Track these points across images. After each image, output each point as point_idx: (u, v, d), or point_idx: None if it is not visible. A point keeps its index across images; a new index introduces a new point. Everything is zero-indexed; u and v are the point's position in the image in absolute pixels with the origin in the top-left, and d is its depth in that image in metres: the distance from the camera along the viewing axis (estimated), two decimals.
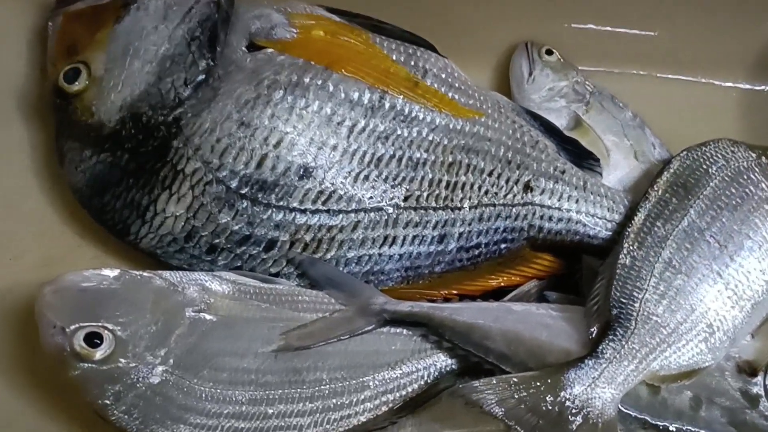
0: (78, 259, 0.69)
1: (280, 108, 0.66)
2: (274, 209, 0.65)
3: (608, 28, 0.85)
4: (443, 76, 0.72)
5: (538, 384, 0.59)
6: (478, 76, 0.81)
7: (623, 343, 0.62)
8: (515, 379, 0.59)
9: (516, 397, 0.58)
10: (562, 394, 0.59)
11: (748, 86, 0.87)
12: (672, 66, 0.86)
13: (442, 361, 0.64)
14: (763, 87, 0.87)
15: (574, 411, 0.59)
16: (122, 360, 0.57)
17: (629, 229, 0.68)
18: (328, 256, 0.67)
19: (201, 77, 0.66)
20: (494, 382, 0.58)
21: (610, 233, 0.71)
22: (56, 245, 0.70)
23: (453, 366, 0.64)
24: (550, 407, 0.58)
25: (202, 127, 0.65)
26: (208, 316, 0.61)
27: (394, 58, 0.71)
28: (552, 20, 0.84)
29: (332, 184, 0.66)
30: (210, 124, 0.65)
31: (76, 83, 0.66)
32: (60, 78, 0.67)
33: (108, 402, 0.57)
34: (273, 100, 0.66)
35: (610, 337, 0.62)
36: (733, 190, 0.68)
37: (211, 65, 0.66)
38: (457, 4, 0.82)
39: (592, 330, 0.64)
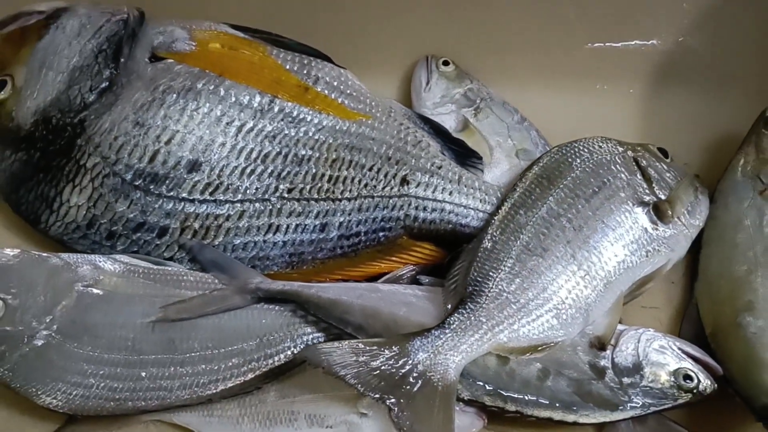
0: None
1: (172, 110, 0.71)
2: (165, 199, 0.70)
3: (508, 46, 0.89)
4: (335, 83, 0.77)
5: (384, 349, 0.61)
6: (385, 88, 0.86)
7: (470, 315, 0.64)
8: (361, 344, 0.62)
9: (360, 359, 0.61)
10: (405, 359, 0.61)
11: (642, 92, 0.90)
12: (569, 76, 0.89)
13: (308, 334, 0.67)
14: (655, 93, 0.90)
15: (416, 375, 0.61)
16: (9, 325, 0.63)
17: (495, 218, 0.71)
18: (216, 242, 0.71)
19: (105, 84, 0.72)
20: (340, 344, 0.61)
21: (482, 223, 0.74)
22: None
23: (319, 339, 0.67)
24: (394, 371, 0.61)
25: (103, 127, 0.71)
26: (95, 291, 0.66)
27: (287, 67, 0.76)
28: (456, 35, 0.89)
29: (219, 177, 0.71)
30: (109, 124, 0.71)
31: (2, 93, 0.73)
32: None
33: None
34: (166, 102, 0.71)
35: (459, 310, 0.65)
36: (592, 180, 0.71)
37: (114, 74, 0.72)
38: (365, 24, 0.87)
39: (447, 306, 0.67)
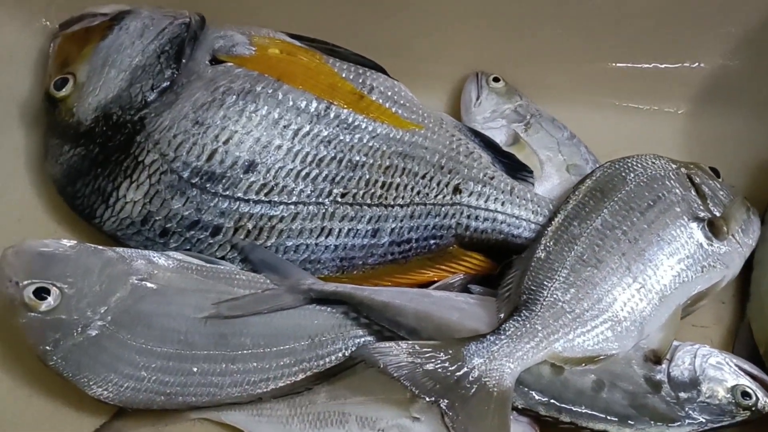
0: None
1: (231, 110, 0.70)
2: (220, 198, 0.69)
3: (556, 63, 0.88)
4: (389, 93, 0.76)
5: (440, 352, 0.60)
6: (432, 101, 0.85)
7: (525, 323, 0.63)
8: (417, 346, 0.60)
9: (416, 361, 0.59)
10: (461, 363, 0.60)
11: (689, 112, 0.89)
12: (618, 95, 0.89)
13: (360, 336, 0.65)
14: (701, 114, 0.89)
15: (471, 379, 0.59)
16: (65, 313, 0.61)
17: (548, 229, 0.70)
18: (269, 243, 0.70)
19: (166, 84, 0.72)
20: (396, 344, 0.60)
21: (534, 234, 0.72)
22: (35, 231, 0.74)
23: (371, 341, 0.65)
24: (449, 374, 0.59)
25: (162, 124, 0.70)
26: (149, 284, 0.65)
27: (343, 75, 0.76)
28: (506, 53, 0.88)
29: (274, 178, 0.70)
30: (169, 122, 0.70)
31: (63, 90, 0.72)
32: (51, 86, 0.73)
33: (48, 348, 0.61)
34: (226, 103, 0.71)
35: (515, 317, 0.63)
36: (647, 193, 0.70)
37: (175, 74, 0.72)
38: (416, 38, 0.87)
39: (500, 314, 0.65)
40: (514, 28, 0.87)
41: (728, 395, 0.64)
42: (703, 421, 0.63)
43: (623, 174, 0.72)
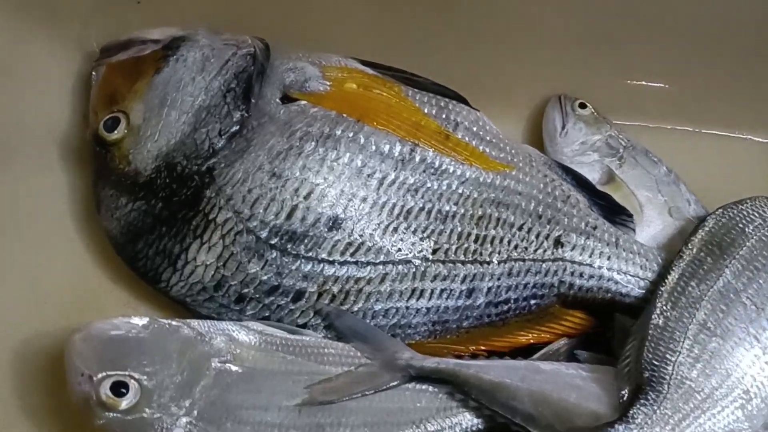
0: (109, 304, 0.66)
1: (311, 159, 0.63)
2: (302, 260, 0.62)
3: (642, 82, 0.81)
4: (474, 129, 0.69)
5: None
6: (510, 128, 0.78)
7: (655, 408, 0.57)
8: None
9: None
10: None
11: None
12: (707, 121, 0.82)
13: (467, 420, 0.59)
14: None
15: None
16: (147, 410, 0.54)
17: (662, 288, 0.63)
18: (356, 308, 0.63)
19: (235, 128, 0.64)
20: None
21: (643, 291, 0.66)
22: (89, 290, 0.67)
23: (479, 426, 0.59)
24: None
25: (235, 177, 0.62)
26: (233, 367, 0.58)
27: (425, 111, 0.68)
28: (584, 73, 0.80)
29: (361, 235, 0.63)
30: (242, 174, 0.62)
31: (115, 132, 0.64)
32: (100, 126, 0.65)
33: None
34: (305, 151, 0.63)
35: (642, 401, 0.57)
36: None
37: (245, 116, 0.64)
38: (489, 57, 0.79)
39: (622, 393, 0.59)
40: (594, 43, 0.79)
41: None
42: None
43: (741, 226, 0.65)
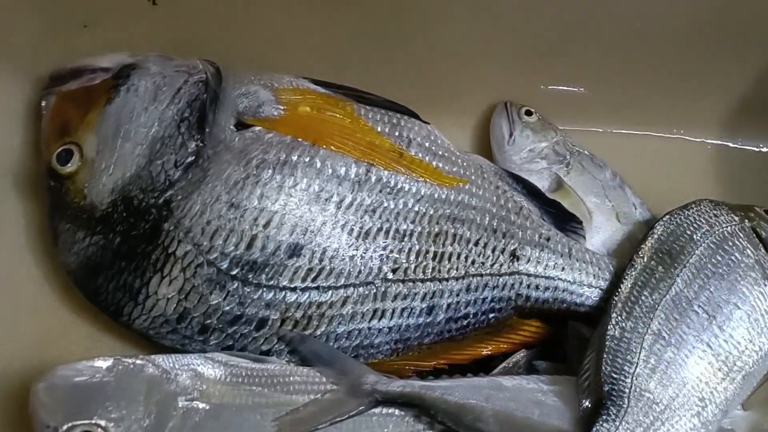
0: (72, 338, 0.60)
1: (269, 188, 0.56)
2: (264, 289, 0.56)
3: (581, 89, 0.75)
4: (427, 144, 0.63)
5: None
6: (459, 137, 0.72)
7: (617, 423, 0.52)
8: None
9: None
10: None
11: (719, 142, 0.78)
12: (644, 122, 0.77)
13: None
14: (733, 143, 0.78)
15: None
16: None
17: (616, 298, 0.59)
18: (318, 332, 0.57)
19: (191, 159, 0.57)
20: None
21: (597, 300, 0.62)
22: (51, 324, 0.60)
23: None
24: None
25: (193, 209, 0.56)
26: (200, 405, 0.51)
27: (378, 129, 0.61)
28: (527, 81, 0.75)
29: (321, 261, 0.57)
30: (200, 206, 0.56)
31: (69, 165, 0.57)
32: (53, 159, 0.57)
33: None
34: (262, 179, 0.56)
35: (603, 417, 0.53)
36: (719, 258, 0.59)
37: (201, 146, 0.57)
38: (435, 68, 0.73)
39: (583, 406, 0.54)
40: (536, 48, 0.74)
41: None
42: None
43: (689, 233, 0.61)
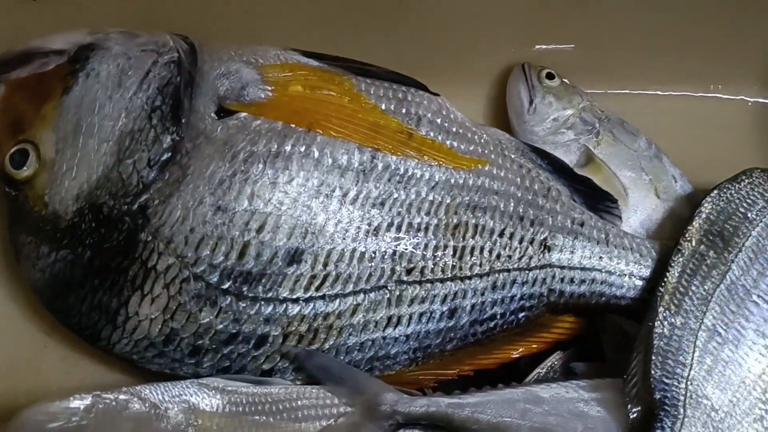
0: (44, 363, 0.54)
1: (260, 185, 0.50)
2: (262, 302, 0.50)
3: (604, 47, 0.69)
4: (439, 120, 0.56)
5: None
6: (469, 109, 0.65)
7: None
8: None
9: None
10: None
11: (761, 99, 0.72)
12: (676, 80, 0.71)
13: None
14: None
15: None
16: None
17: (662, 290, 0.53)
18: (327, 346, 0.52)
19: (167, 155, 0.50)
20: None
21: (640, 291, 0.56)
22: (20, 347, 0.55)
23: None
24: None
25: (173, 215, 0.49)
26: None
27: (383, 107, 0.55)
28: (542, 39, 0.68)
29: (325, 266, 0.51)
30: (181, 211, 0.49)
31: (24, 168, 0.51)
32: (6, 162, 0.51)
33: None
34: (251, 176, 0.50)
35: (657, 429, 0.48)
36: None
37: (177, 139, 0.51)
38: (442, 32, 0.66)
39: (633, 417, 0.50)
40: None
41: None
42: None
43: (742, 210, 0.55)
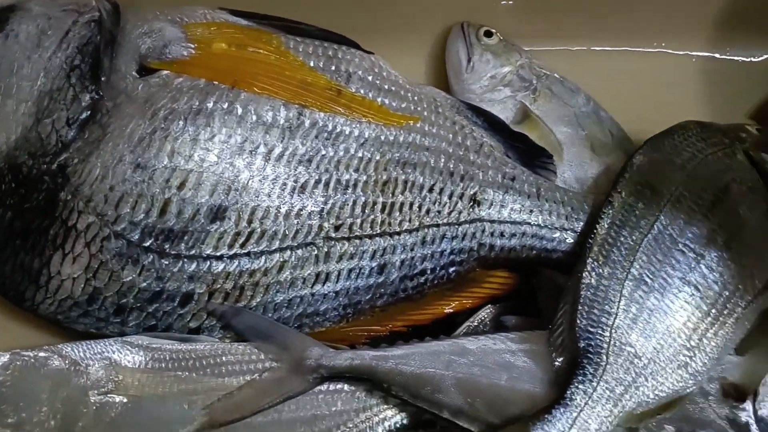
0: None
1: (180, 142, 0.51)
2: (185, 260, 0.52)
3: (550, 2, 0.70)
4: (370, 78, 0.57)
5: None
6: (412, 70, 0.66)
7: (594, 383, 0.49)
8: None
9: None
10: None
11: (705, 54, 0.73)
12: (621, 37, 0.72)
13: (391, 419, 0.51)
14: (721, 54, 0.73)
15: None
16: None
17: (591, 241, 0.55)
18: (254, 303, 0.53)
19: (86, 114, 0.51)
20: None
21: (571, 244, 0.58)
22: None
23: (404, 421, 0.51)
24: None
25: (92, 173, 0.51)
26: (117, 398, 0.48)
27: (311, 64, 0.56)
28: None
29: (250, 223, 0.52)
30: (101, 169, 0.51)
31: None
32: None
33: None
34: (172, 133, 0.51)
35: (579, 377, 0.49)
36: (708, 188, 0.55)
37: (96, 98, 0.52)
38: None
39: (557, 366, 0.51)
40: None
41: None
42: None
43: (672, 161, 0.57)
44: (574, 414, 0.48)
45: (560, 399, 0.48)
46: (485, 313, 0.57)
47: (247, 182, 0.52)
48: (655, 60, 0.72)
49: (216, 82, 0.53)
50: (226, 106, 0.52)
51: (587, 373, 0.49)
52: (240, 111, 0.53)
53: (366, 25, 0.62)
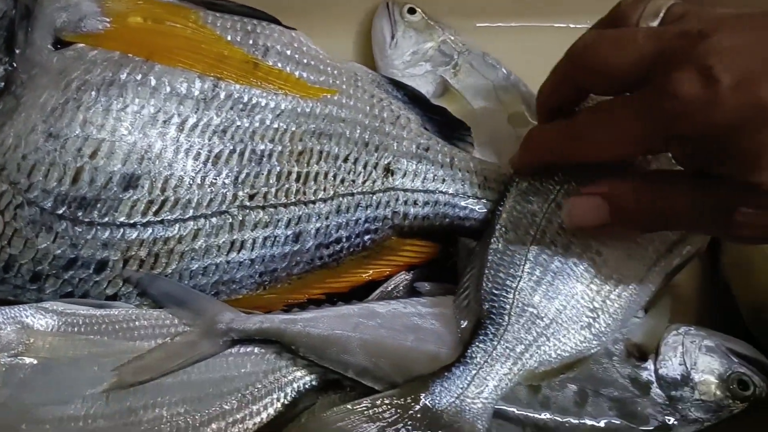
0: None
1: (92, 112, 0.53)
2: (98, 227, 0.54)
3: None
4: (289, 52, 0.60)
5: (401, 403, 0.49)
6: (340, 48, 0.69)
7: (495, 343, 0.51)
8: (371, 404, 0.48)
9: (377, 422, 0.48)
10: (427, 411, 0.49)
11: None
12: (551, 14, 0.74)
13: (299, 380, 0.53)
14: None
15: (442, 427, 0.48)
16: None
17: (500, 209, 0.57)
18: (169, 271, 0.55)
19: (0, 86, 0.53)
20: (350, 408, 0.48)
21: (484, 213, 0.60)
22: None
23: (313, 382, 0.53)
24: (417, 427, 0.48)
25: (5, 143, 0.52)
26: (26, 360, 0.50)
27: (229, 38, 0.58)
28: None
29: (163, 191, 0.54)
30: (14, 139, 0.53)
31: None
32: None
33: None
34: (84, 103, 0.53)
35: (481, 337, 0.52)
36: None
37: (10, 70, 0.54)
38: None
39: (462, 328, 0.53)
40: None
41: (723, 388, 0.55)
42: (699, 420, 0.55)
43: None
44: (473, 371, 0.50)
45: (461, 357, 0.51)
46: (399, 278, 0.59)
47: (161, 152, 0.54)
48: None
49: (131, 55, 0.55)
50: (139, 77, 0.54)
51: (488, 332, 0.52)
52: (154, 82, 0.55)
53: (295, 4, 0.64)
